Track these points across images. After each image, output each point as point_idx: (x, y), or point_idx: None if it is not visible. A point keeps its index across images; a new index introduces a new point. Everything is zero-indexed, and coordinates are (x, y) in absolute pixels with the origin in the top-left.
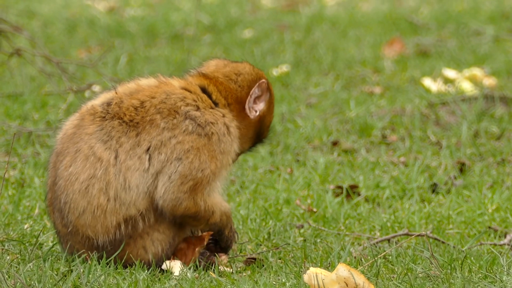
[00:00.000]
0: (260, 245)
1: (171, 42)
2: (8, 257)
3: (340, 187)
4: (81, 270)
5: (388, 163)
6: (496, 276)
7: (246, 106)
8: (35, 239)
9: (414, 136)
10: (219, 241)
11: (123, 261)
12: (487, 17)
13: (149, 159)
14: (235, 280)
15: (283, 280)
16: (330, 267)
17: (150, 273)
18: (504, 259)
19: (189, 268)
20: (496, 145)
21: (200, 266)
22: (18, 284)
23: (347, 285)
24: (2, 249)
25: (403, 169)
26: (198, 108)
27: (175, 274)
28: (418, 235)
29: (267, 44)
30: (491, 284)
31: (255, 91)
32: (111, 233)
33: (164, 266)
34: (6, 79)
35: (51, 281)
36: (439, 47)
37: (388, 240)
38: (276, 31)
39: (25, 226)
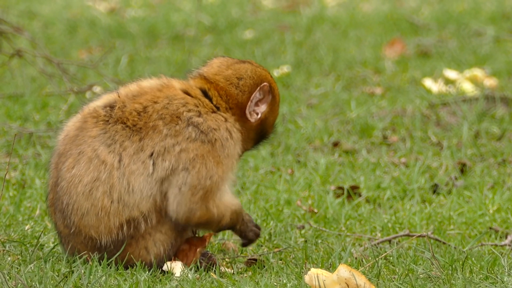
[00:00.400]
0: (261, 246)
1: (172, 42)
2: (9, 258)
3: (341, 188)
4: (82, 271)
5: (389, 163)
6: (497, 277)
7: (247, 111)
8: (36, 240)
9: (415, 137)
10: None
11: (124, 262)
12: (487, 18)
13: (153, 164)
14: (236, 281)
15: (284, 281)
16: (331, 268)
17: (151, 274)
18: (505, 260)
19: (190, 269)
20: (497, 146)
21: (201, 267)
22: (19, 285)
23: (348, 286)
24: (3, 250)
25: (404, 170)
26: (200, 114)
27: (176, 275)
28: (419, 236)
29: (268, 45)
30: (492, 285)
31: (256, 95)
32: (113, 233)
33: (165, 267)
34: (7, 80)
35: (52, 282)
36: (440, 47)
37: (389, 241)
38: (277, 31)
39: (26, 227)
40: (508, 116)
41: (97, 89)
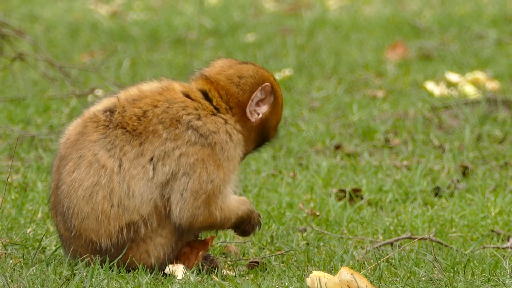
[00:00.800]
0: (263, 248)
1: (173, 46)
2: (11, 261)
3: (343, 191)
4: (84, 274)
5: (391, 166)
6: (499, 280)
7: (247, 110)
8: (38, 243)
9: (417, 140)
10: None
11: (126, 265)
12: (489, 21)
13: (153, 169)
14: (238, 283)
15: (286, 283)
16: (333, 270)
17: (153, 277)
18: (507, 263)
19: (192, 272)
20: (499, 149)
21: (203, 270)
22: None
23: None
24: (5, 253)
25: (406, 173)
26: (199, 117)
27: (178, 278)
28: (421, 239)
29: (270, 48)
30: None
31: (257, 95)
32: (114, 237)
33: (167, 270)
34: (9, 83)
35: (54, 285)
36: (442, 50)
37: (391, 243)
38: (278, 35)
39: (28, 230)
40: (510, 119)
41: (99, 92)
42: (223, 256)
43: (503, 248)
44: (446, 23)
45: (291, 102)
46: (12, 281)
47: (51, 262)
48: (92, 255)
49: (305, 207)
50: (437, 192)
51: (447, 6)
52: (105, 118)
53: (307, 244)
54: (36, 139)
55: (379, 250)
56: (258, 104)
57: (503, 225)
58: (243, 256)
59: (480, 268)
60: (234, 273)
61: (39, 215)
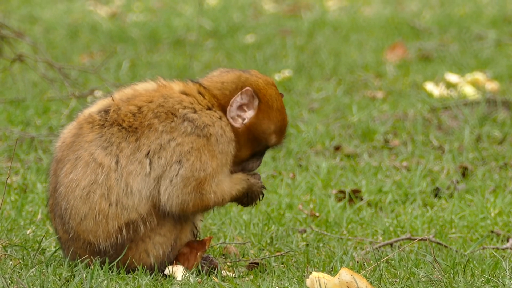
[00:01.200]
0: (263, 249)
1: (173, 47)
2: (10, 263)
3: (343, 192)
4: (84, 275)
5: (391, 167)
6: (498, 280)
7: (228, 116)
8: (37, 245)
9: (417, 141)
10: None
11: (125, 265)
12: (489, 22)
13: (150, 163)
14: (238, 284)
15: (286, 284)
16: (333, 271)
17: (152, 278)
18: (507, 263)
19: (192, 273)
20: (499, 150)
21: (202, 271)
22: None
23: None
24: (5, 254)
25: (406, 174)
26: (195, 111)
27: (177, 279)
28: (421, 239)
29: (269, 49)
30: None
31: (236, 99)
32: (112, 237)
33: (166, 271)
34: (8, 84)
35: (53, 286)
36: (441, 51)
37: (391, 244)
38: (278, 36)
39: (28, 232)
40: (509, 119)
41: (98, 93)
42: (223, 257)
43: (503, 249)
44: (445, 24)
45: (291, 103)
46: (11, 282)
47: (51, 264)
48: (91, 257)
49: (305, 208)
50: (436, 193)
51: (446, 7)
52: (100, 118)
53: (307, 245)
54: (36, 140)
55: (378, 251)
56: (242, 108)
57: (503, 225)
58: (243, 257)
59: (480, 268)
60: (233, 274)
61: (39, 216)
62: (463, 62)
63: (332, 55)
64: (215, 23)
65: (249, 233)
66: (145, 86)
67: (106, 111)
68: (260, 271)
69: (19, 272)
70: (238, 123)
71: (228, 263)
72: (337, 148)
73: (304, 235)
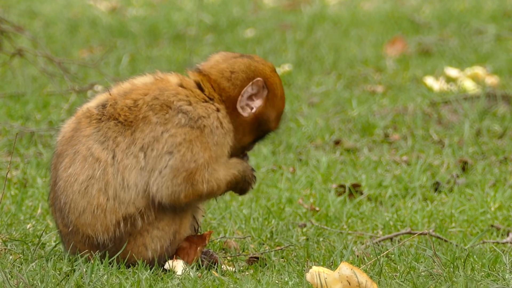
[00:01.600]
0: (263, 244)
1: (173, 42)
2: (10, 257)
3: (343, 186)
4: (84, 269)
5: (391, 162)
6: (498, 274)
7: (238, 106)
8: (37, 239)
9: (417, 135)
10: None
11: (126, 260)
12: (489, 16)
13: (144, 156)
14: (238, 279)
15: (286, 279)
16: (333, 266)
17: (152, 273)
18: (507, 257)
19: (192, 267)
20: (499, 144)
21: (202, 266)
22: (20, 284)
23: (349, 284)
24: (5, 249)
25: (406, 168)
26: (190, 103)
27: (177, 274)
28: (421, 234)
29: (269, 44)
30: (494, 282)
31: (247, 89)
32: (110, 231)
33: (166, 266)
34: (8, 79)
35: (53, 280)
36: (441, 46)
37: (391, 238)
38: (278, 30)
39: (28, 226)
40: (509, 114)
41: (98, 88)
42: (223, 251)
43: (503, 243)
44: (445, 18)
45: (291, 97)
46: (12, 277)
47: (51, 258)
48: (91, 251)
49: (305, 203)
50: (436, 187)
51: (446, 2)
52: (98, 112)
53: (307, 239)
54: (36, 135)
55: (378, 245)
56: (251, 98)
57: (503, 220)
58: (243, 251)
59: (480, 263)
60: (233, 269)
61: (39, 211)
62: (463, 56)
63: (332, 50)
64: (215, 17)
65: (249, 228)
66: (142, 80)
67: (103, 105)
68: (260, 266)
69: (19, 267)
70: (246, 112)
71: (228, 258)
72: (337, 143)
73: (304, 229)
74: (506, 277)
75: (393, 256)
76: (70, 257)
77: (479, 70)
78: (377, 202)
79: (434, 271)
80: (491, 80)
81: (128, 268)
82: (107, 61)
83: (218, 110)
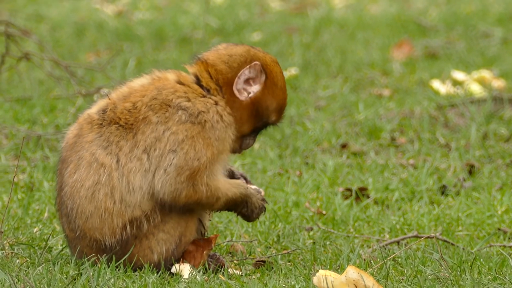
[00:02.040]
0: (270, 247)
1: (179, 45)
2: (17, 261)
3: (349, 190)
4: (91, 273)
5: (397, 165)
6: (505, 278)
7: (234, 88)
8: (44, 243)
9: (423, 139)
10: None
11: (132, 263)
12: (495, 19)
13: (148, 158)
14: (245, 282)
15: (293, 282)
16: (340, 269)
17: (159, 276)
18: None
19: (199, 271)
20: (505, 147)
21: (209, 269)
22: (27, 287)
23: None
24: (12, 252)
25: (412, 171)
26: (188, 99)
27: (184, 277)
28: (428, 237)
29: (276, 47)
30: (501, 286)
31: (244, 72)
32: (117, 234)
33: (173, 269)
34: (15, 83)
35: (60, 284)
36: (448, 49)
37: (398, 242)
38: (284, 34)
39: (35, 230)
40: None
41: (105, 91)
42: (230, 255)
43: (510, 247)
44: (452, 21)
45: (297, 101)
46: (18, 280)
47: (58, 262)
48: (98, 254)
49: (312, 206)
50: (443, 190)
51: (452, 5)
52: (98, 117)
53: (314, 243)
54: (42, 138)
55: (385, 248)
56: (248, 82)
57: (510, 223)
58: (250, 255)
59: (487, 266)
60: (240, 272)
61: (46, 214)
62: (469, 59)
63: (338, 53)
64: (221, 21)
65: (255, 231)
66: (140, 82)
67: (104, 110)
68: (267, 269)
69: (26, 271)
70: (243, 96)
71: (235, 261)
72: (343, 146)
73: (311, 233)
74: None
75: (400, 259)
76: (77, 261)
77: (485, 74)
78: (383, 206)
79: (441, 274)
80: (498, 83)
81: (135, 271)
82: (113, 64)
83: (216, 103)
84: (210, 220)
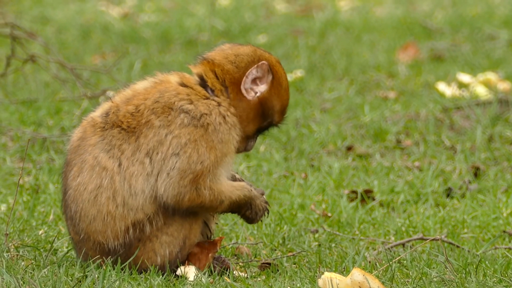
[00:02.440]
0: (275, 250)
1: (185, 47)
2: (23, 263)
3: (355, 192)
4: (96, 275)
5: (403, 167)
6: (511, 280)
7: (242, 87)
8: (49, 245)
9: (429, 141)
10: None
11: (138, 266)
12: (501, 22)
13: (150, 162)
14: (250, 285)
15: (298, 285)
16: (345, 271)
17: (164, 279)
18: None
19: (204, 273)
20: (511, 150)
21: (214, 271)
22: None
23: None
24: (17, 255)
25: (418, 174)
26: (191, 102)
27: (189, 279)
28: (433, 240)
29: (281, 49)
30: None
31: (252, 71)
32: (120, 237)
33: (178, 272)
34: (20, 85)
35: (65, 287)
36: (453, 51)
37: (403, 244)
38: (290, 36)
39: (40, 232)
40: None
41: (110, 94)
42: (235, 257)
43: None
44: (457, 24)
45: (303, 103)
46: (24, 283)
47: (63, 264)
48: (102, 257)
49: (317, 208)
50: (448, 193)
51: (458, 7)
52: (101, 121)
53: (319, 245)
54: (48, 141)
55: (390, 251)
56: (255, 82)
57: None
58: (255, 257)
59: (492, 268)
60: (245, 274)
61: (51, 217)
62: (475, 62)
63: (344, 55)
64: (227, 23)
65: (261, 233)
66: (143, 85)
67: (107, 113)
68: (272, 272)
69: (31, 273)
70: (250, 96)
71: (240, 264)
72: (349, 148)
73: (316, 235)
74: None
75: (405, 262)
76: (82, 263)
77: (491, 76)
78: (389, 208)
79: (446, 277)
80: (504, 85)
81: (140, 274)
82: (119, 67)
83: (219, 104)
84: (217, 224)
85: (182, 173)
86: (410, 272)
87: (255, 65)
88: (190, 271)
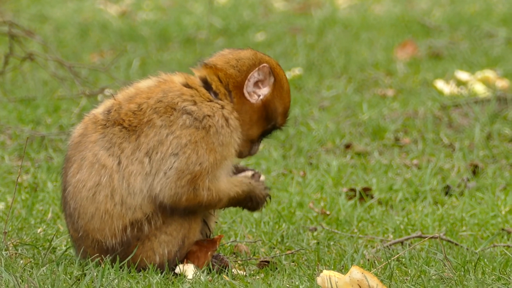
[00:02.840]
0: (274, 248)
1: (183, 45)
2: (21, 261)
3: (353, 190)
4: (95, 274)
5: (401, 165)
6: (509, 278)
7: (245, 91)
8: (48, 243)
9: (427, 139)
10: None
11: (136, 264)
12: (499, 19)
13: (149, 161)
14: (249, 283)
15: (297, 283)
16: (344, 269)
17: (163, 277)
18: None
19: (203, 272)
20: (509, 147)
21: (213, 270)
22: None
23: None
24: (16, 253)
25: (416, 172)
26: (195, 103)
27: (188, 278)
28: (432, 237)
29: (280, 47)
30: (505, 286)
31: (254, 75)
32: (118, 236)
33: (177, 270)
34: (18, 83)
35: (64, 285)
36: (452, 49)
37: (402, 242)
38: (288, 34)
39: (38, 230)
40: None
41: (109, 92)
42: (234, 255)
43: None
44: (455, 21)
45: (301, 101)
46: (22, 281)
47: (62, 262)
48: (101, 255)
49: (315, 207)
50: (447, 191)
51: (456, 5)
52: (103, 118)
53: (318, 243)
54: (46, 139)
55: (389, 249)
56: (257, 85)
57: None
58: (254, 255)
59: (491, 266)
60: (244, 273)
61: (49, 215)
62: (473, 60)
63: (342, 53)
64: (225, 21)
65: (259, 232)
66: (147, 83)
67: (108, 111)
68: (271, 269)
69: (29, 271)
70: (254, 99)
71: (239, 262)
72: (347, 146)
73: (315, 233)
74: None
75: (403, 260)
76: (81, 261)
77: (489, 74)
78: (387, 206)
79: (444, 274)
80: (502, 83)
81: (139, 272)
82: (117, 65)
83: (222, 107)
84: (216, 222)
85: (180, 173)
86: (409, 270)
87: (257, 68)
88: (188, 269)
